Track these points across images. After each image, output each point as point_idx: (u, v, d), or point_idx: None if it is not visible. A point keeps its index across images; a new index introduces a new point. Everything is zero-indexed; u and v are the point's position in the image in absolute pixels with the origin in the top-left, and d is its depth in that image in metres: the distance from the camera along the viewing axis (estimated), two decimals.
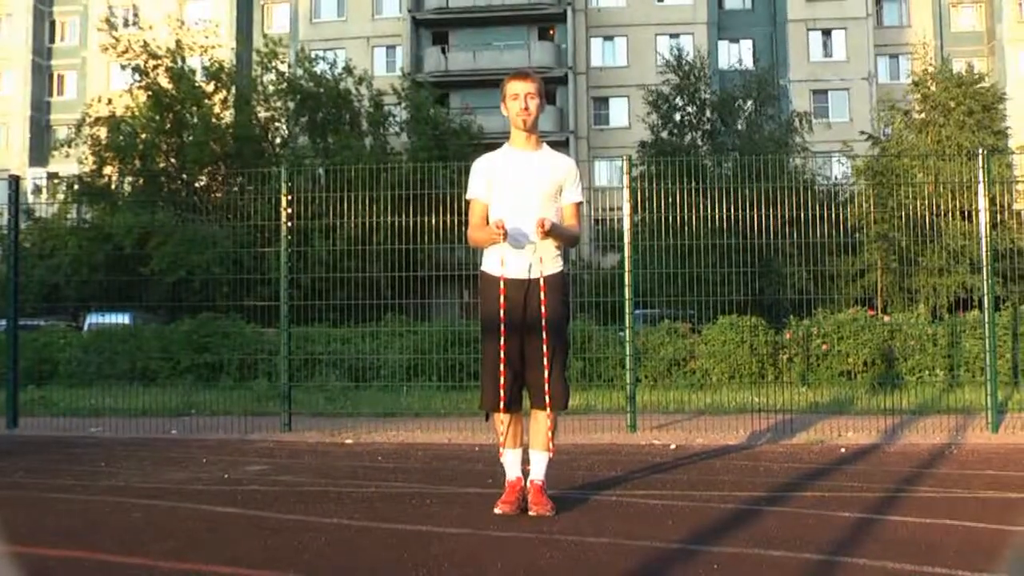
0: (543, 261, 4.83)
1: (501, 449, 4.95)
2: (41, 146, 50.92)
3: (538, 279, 4.81)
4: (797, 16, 45.91)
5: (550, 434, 4.90)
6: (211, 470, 6.77)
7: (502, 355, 4.77)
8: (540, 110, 4.92)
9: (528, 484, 4.88)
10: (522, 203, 4.82)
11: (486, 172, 4.94)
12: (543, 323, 4.77)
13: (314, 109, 33.28)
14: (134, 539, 4.39)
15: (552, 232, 4.71)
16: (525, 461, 4.97)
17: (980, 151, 9.13)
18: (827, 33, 46.20)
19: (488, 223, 4.90)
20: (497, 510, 4.81)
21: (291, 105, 33.69)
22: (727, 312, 13.52)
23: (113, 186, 32.32)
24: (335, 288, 11.26)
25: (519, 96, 4.86)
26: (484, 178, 4.93)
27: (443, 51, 44.87)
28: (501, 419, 4.87)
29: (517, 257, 4.82)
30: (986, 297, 8.75)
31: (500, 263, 4.83)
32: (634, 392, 9.01)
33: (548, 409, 4.83)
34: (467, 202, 5.03)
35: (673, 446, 8.00)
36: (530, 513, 4.76)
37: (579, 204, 5.03)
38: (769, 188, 10.05)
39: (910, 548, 3.95)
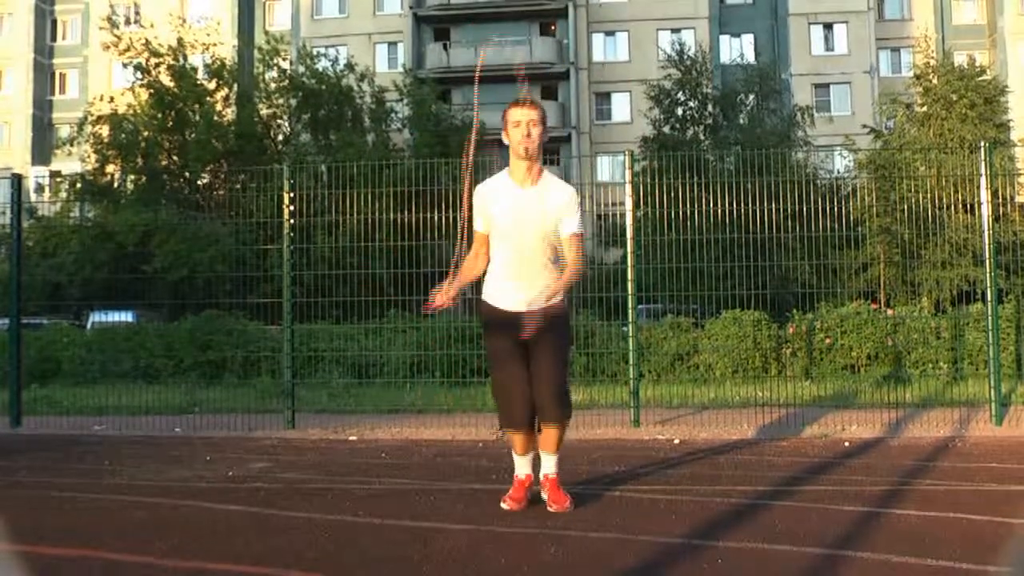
0: (540, 299, 4.78)
1: (513, 454, 4.99)
2: (43, 145, 50.95)
3: (541, 311, 4.78)
4: (798, 10, 45.83)
5: (557, 440, 4.89)
6: (215, 468, 6.78)
7: (511, 382, 4.79)
8: (543, 138, 4.80)
9: (542, 479, 4.89)
10: (520, 244, 4.78)
11: (484, 208, 4.87)
12: (546, 350, 4.78)
13: (316, 106, 33.23)
14: (138, 537, 4.40)
15: (550, 304, 4.77)
16: (534, 461, 4.99)
17: (982, 144, 9.10)
18: (828, 27, 46.13)
19: (485, 252, 4.96)
20: (504, 505, 4.82)
21: (293, 102, 33.64)
22: (730, 307, 13.50)
23: (115, 184, 32.31)
24: (338, 285, 11.25)
25: (521, 123, 4.75)
26: (481, 209, 4.89)
27: (445, 47, 44.83)
28: (518, 433, 4.89)
29: (515, 292, 4.81)
30: (989, 290, 8.74)
31: (498, 298, 4.84)
32: (637, 387, 9.00)
33: (552, 423, 4.83)
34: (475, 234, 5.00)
35: (677, 441, 8.00)
36: (549, 509, 4.77)
37: (578, 235, 4.84)
38: (771, 182, 10.03)
39: (914, 541, 3.95)
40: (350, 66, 34.04)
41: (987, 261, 8.72)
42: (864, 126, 29.81)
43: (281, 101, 33.72)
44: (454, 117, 34.96)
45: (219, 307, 15.43)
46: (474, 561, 3.81)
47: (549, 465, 4.89)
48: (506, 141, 4.87)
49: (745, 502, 5.00)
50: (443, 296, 4.77)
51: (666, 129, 32.34)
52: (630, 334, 9.05)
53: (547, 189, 4.84)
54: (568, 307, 5.04)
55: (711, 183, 10.81)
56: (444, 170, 11.35)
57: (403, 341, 12.56)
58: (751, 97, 32.39)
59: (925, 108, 26.70)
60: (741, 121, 31.96)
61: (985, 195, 8.72)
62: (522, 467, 4.95)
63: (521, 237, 4.77)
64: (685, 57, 33.02)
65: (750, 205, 9.76)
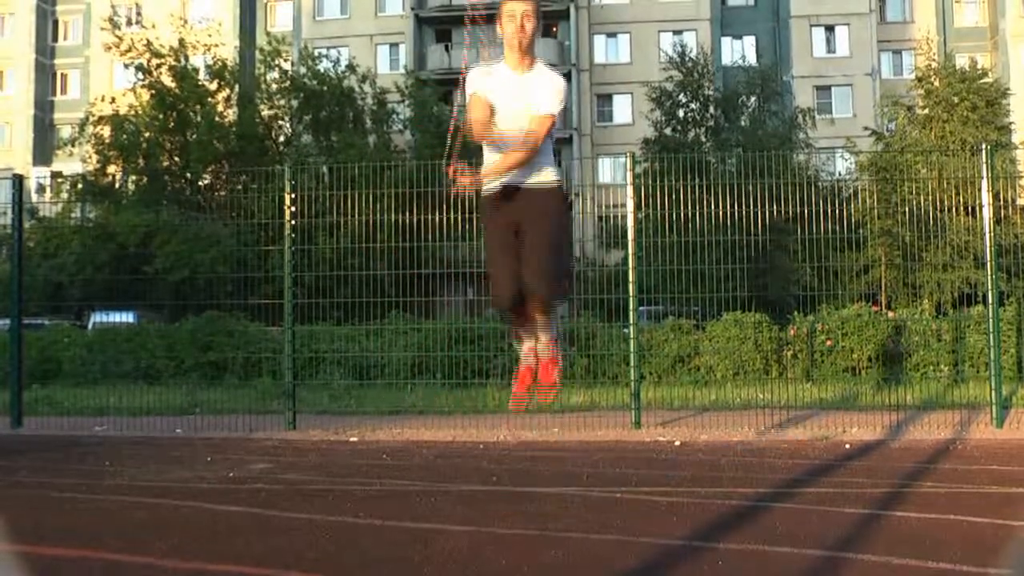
0: (536, 174, 4.76)
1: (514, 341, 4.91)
2: (45, 145, 50.94)
3: (533, 189, 4.74)
4: (800, 12, 45.81)
5: (546, 320, 4.76)
6: (216, 469, 6.78)
7: (497, 255, 4.72)
8: (536, 31, 4.79)
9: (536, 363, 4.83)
10: (509, 126, 4.77)
11: (484, 75, 4.84)
12: (539, 228, 4.68)
13: (317, 107, 33.25)
14: (138, 538, 4.39)
15: (542, 180, 4.74)
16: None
17: (984, 146, 9.11)
18: (830, 29, 46.12)
19: (488, 117, 4.74)
20: (511, 406, 4.76)
21: (294, 103, 33.67)
22: (731, 308, 13.49)
23: (117, 185, 32.33)
24: (339, 286, 11.26)
25: (515, 16, 4.72)
26: (482, 80, 4.80)
27: (446, 48, 44.82)
28: (510, 315, 4.80)
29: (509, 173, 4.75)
30: (990, 292, 8.74)
31: (494, 179, 4.80)
32: (638, 389, 8.99)
33: (535, 293, 4.67)
34: (469, 99, 4.91)
35: (678, 443, 7.99)
36: (537, 395, 4.71)
37: (546, 116, 4.69)
38: (773, 184, 10.03)
39: (914, 543, 3.95)
40: (351, 67, 34.06)
41: (988, 263, 8.71)
42: (865, 128, 29.81)
43: (282, 102, 33.75)
44: (455, 118, 34.97)
45: (220, 308, 15.44)
46: (475, 562, 3.81)
47: (542, 341, 4.80)
48: (499, 33, 4.85)
49: (746, 504, 5.00)
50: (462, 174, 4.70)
51: (667, 131, 32.36)
52: (631, 336, 9.04)
53: (540, 76, 4.82)
54: (565, 189, 4.92)
55: (712, 185, 10.81)
56: (445, 171, 11.35)
57: (404, 342, 12.56)
58: (752, 99, 32.41)
59: (926, 110, 26.72)
60: (742, 123, 31.99)
61: (986, 198, 8.71)
62: (526, 355, 4.83)
63: (512, 123, 4.77)
64: (686, 59, 33.03)
65: (751, 207, 9.76)
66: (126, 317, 17.04)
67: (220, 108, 32.59)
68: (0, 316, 12.71)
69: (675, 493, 5.37)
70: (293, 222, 9.40)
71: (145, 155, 31.62)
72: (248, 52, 40.56)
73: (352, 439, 8.62)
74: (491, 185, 4.82)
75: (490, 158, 4.85)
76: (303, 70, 33.71)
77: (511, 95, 4.79)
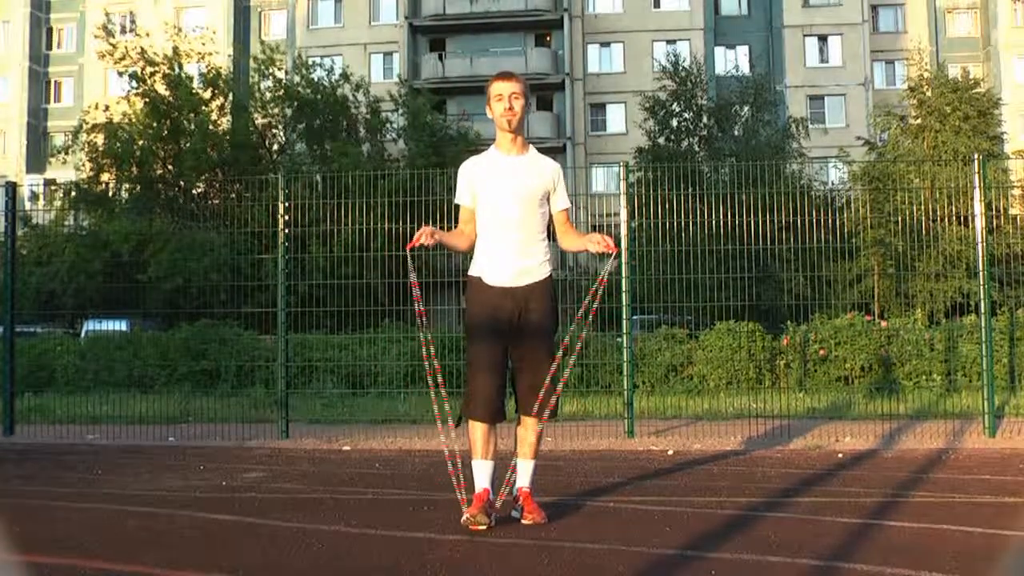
0: (530, 267, 4.81)
1: (472, 459, 4.77)
2: (38, 153, 50.92)
3: (526, 286, 4.79)
4: (793, 22, 45.97)
5: (536, 441, 4.85)
6: (208, 477, 6.76)
7: (490, 363, 4.71)
8: (525, 111, 4.86)
9: (517, 490, 4.85)
10: (505, 209, 4.78)
11: (470, 177, 4.91)
12: (534, 330, 4.75)
13: (311, 116, 33.27)
14: (131, 547, 4.38)
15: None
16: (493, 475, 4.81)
17: (976, 156, 9.14)
18: (823, 39, 46.28)
19: (471, 230, 4.93)
20: (472, 528, 4.55)
21: (288, 112, 33.69)
22: (724, 318, 13.50)
23: (110, 193, 32.30)
24: (332, 295, 11.25)
25: (503, 96, 4.80)
26: (468, 183, 4.91)
27: (440, 58, 44.92)
28: (480, 428, 4.72)
29: (503, 264, 4.79)
30: (983, 302, 8.76)
31: (486, 270, 4.82)
32: (632, 398, 9.00)
33: (538, 417, 4.77)
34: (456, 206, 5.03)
35: (671, 452, 7.99)
36: (524, 522, 4.71)
37: (568, 209, 5.02)
38: (766, 194, 10.06)
39: (907, 553, 3.95)
40: (345, 76, 34.09)
41: (981, 273, 8.73)
42: (858, 138, 29.92)
43: (276, 111, 33.76)
44: (449, 127, 35.01)
45: (213, 316, 15.42)
46: (468, 572, 3.81)
47: (525, 477, 4.82)
48: (490, 115, 4.93)
49: (739, 513, 5.00)
50: (428, 236, 4.71)
51: (661, 140, 32.42)
52: (624, 345, 9.05)
53: (534, 159, 4.92)
54: (554, 281, 4.96)
55: (706, 194, 10.84)
56: (439, 180, 11.35)
57: (397, 351, 12.55)
58: (746, 108, 32.49)
59: (919, 120, 26.81)
60: (736, 132, 32.07)
61: (979, 207, 8.74)
62: (481, 477, 4.70)
63: (510, 204, 4.78)
64: (680, 68, 33.11)
65: (744, 216, 9.78)
66: (119, 325, 17.00)
67: (214, 116, 32.61)
68: None
69: (668, 502, 5.37)
70: (287, 231, 9.40)
71: (139, 163, 31.60)
72: (242, 60, 40.58)
73: (345, 448, 8.61)
74: (492, 280, 4.81)
75: (488, 244, 4.86)
76: (297, 79, 33.75)
77: (510, 177, 4.82)
